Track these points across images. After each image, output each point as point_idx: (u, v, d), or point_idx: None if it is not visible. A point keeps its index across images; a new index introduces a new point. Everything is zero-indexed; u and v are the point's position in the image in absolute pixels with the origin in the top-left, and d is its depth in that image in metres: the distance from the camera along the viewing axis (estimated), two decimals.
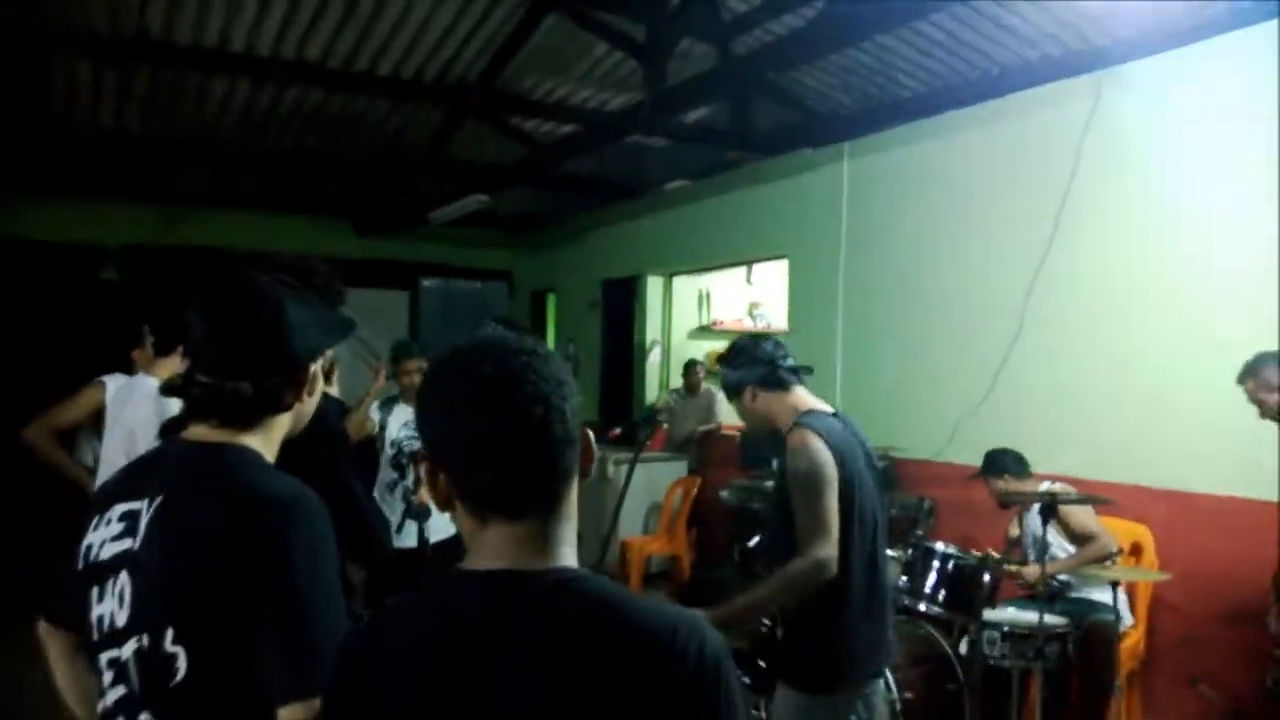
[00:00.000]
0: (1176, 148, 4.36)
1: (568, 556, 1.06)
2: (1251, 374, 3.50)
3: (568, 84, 6.41)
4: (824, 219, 6.20)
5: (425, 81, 6.29)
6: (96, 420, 3.39)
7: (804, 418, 2.53)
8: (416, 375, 4.31)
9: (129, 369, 3.41)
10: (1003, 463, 4.30)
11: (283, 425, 1.43)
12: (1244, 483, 3.99)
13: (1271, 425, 3.51)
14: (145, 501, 1.31)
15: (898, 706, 3.35)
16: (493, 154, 7.43)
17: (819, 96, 6.44)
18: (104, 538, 1.33)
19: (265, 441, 1.40)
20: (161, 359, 3.17)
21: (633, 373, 8.30)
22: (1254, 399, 3.51)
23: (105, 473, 3.10)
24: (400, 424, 4.23)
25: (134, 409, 3.05)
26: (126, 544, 1.30)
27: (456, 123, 6.88)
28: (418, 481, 3.79)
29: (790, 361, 2.65)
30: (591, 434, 1.09)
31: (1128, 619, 4.10)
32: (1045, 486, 4.08)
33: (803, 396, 2.63)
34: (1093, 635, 3.88)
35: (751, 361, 2.63)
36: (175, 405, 2.95)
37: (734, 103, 6.46)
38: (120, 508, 1.34)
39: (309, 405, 1.46)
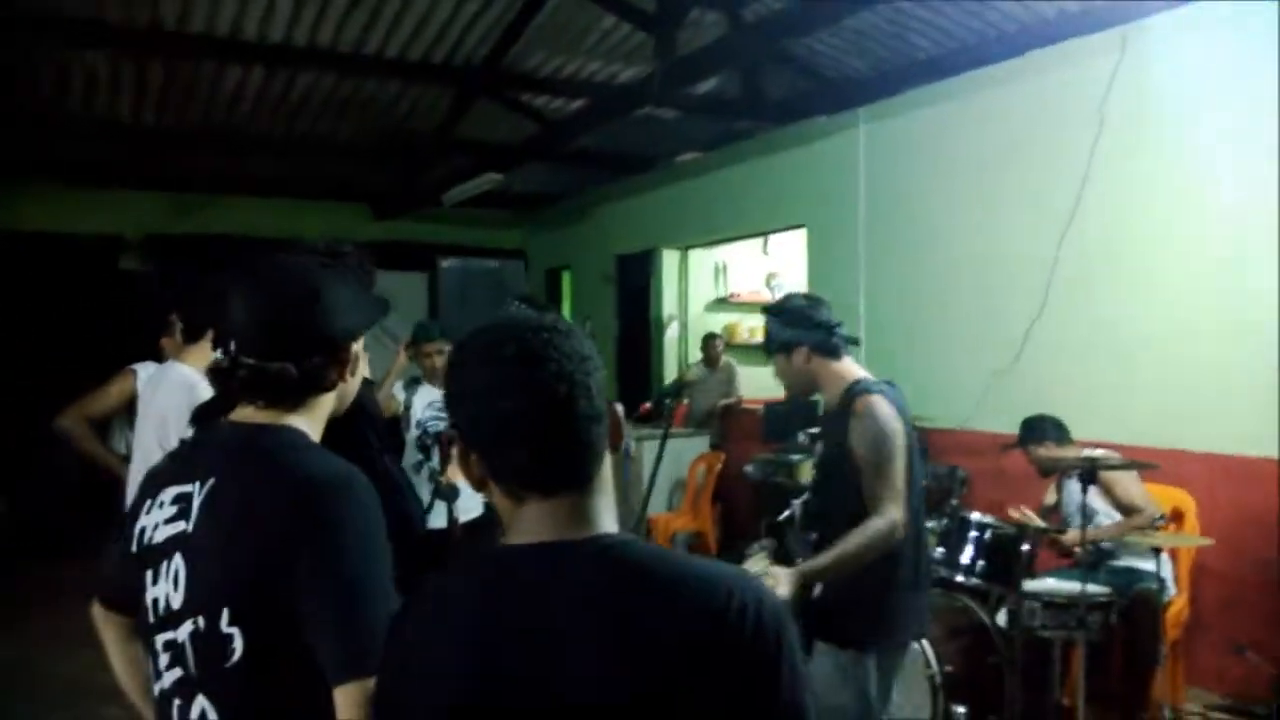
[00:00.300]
0: (1206, 103, 4.26)
1: (609, 524, 1.07)
2: None
3: (576, 59, 6.37)
4: (841, 187, 6.14)
5: (434, 62, 6.28)
6: (129, 409, 3.41)
7: (868, 384, 2.54)
8: (438, 357, 4.31)
9: (158, 357, 3.43)
10: (1042, 429, 4.19)
11: (327, 405, 1.44)
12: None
13: None
14: (197, 484, 1.33)
15: (938, 680, 3.32)
16: (503, 132, 7.40)
17: (831, 62, 6.36)
18: (157, 520, 1.35)
19: (311, 422, 1.41)
20: (190, 346, 3.19)
21: (650, 348, 8.30)
22: None
23: (140, 460, 3.12)
24: (425, 404, 4.24)
25: (165, 396, 3.07)
26: (180, 526, 1.32)
27: (466, 102, 6.86)
28: (444, 462, 3.80)
29: (844, 330, 2.64)
30: (620, 408, 1.09)
31: (1172, 587, 4.01)
32: (1088, 453, 4.00)
33: (851, 367, 2.63)
34: (1138, 605, 3.80)
35: (809, 323, 2.60)
36: (206, 391, 2.97)
37: (745, 72, 6.40)
38: (172, 490, 1.35)
39: (352, 385, 1.46)
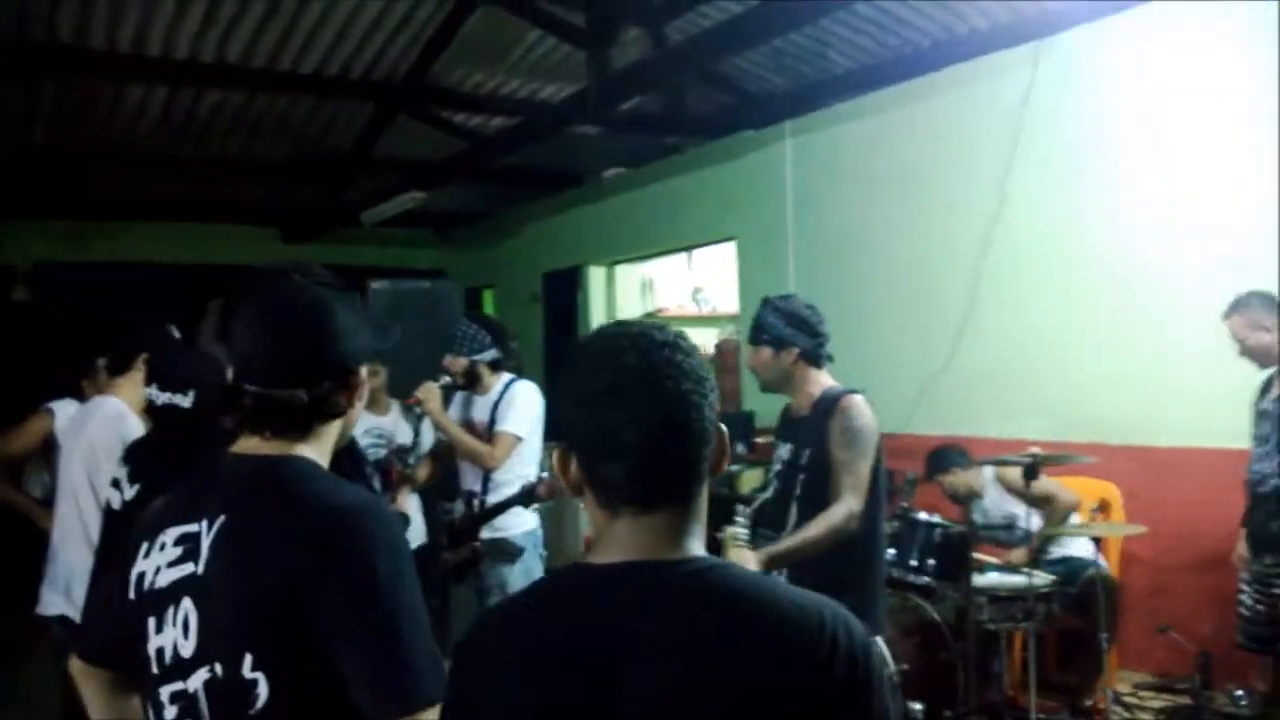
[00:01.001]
0: (1116, 113, 4.47)
1: (699, 547, 1.03)
2: (1238, 309, 3.48)
3: (499, 75, 6.30)
4: (770, 199, 6.22)
5: (351, 78, 6.11)
6: (45, 450, 3.21)
7: (848, 389, 2.72)
8: (372, 378, 4.18)
9: (76, 395, 3.23)
10: (949, 458, 4.35)
11: (334, 433, 1.37)
12: (1203, 433, 4.12)
13: (1232, 373, 3.56)
14: (204, 522, 1.25)
15: (895, 679, 3.36)
16: (425, 150, 7.26)
17: (753, 78, 6.45)
18: (158, 564, 1.26)
19: (320, 451, 1.34)
20: (118, 378, 3.02)
21: None
22: (1237, 336, 3.50)
23: (68, 500, 2.95)
24: (363, 431, 4.10)
25: (96, 430, 2.90)
26: (187, 568, 1.23)
27: (385, 119, 6.70)
28: (391, 491, 3.69)
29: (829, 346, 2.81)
30: (727, 432, 1.05)
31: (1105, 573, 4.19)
32: (988, 471, 4.17)
33: (826, 377, 2.81)
34: (1091, 591, 3.94)
35: (808, 328, 2.74)
36: (137, 424, 2.81)
37: (668, 89, 6.44)
38: (174, 531, 1.27)
39: (356, 412, 1.41)
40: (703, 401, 1.01)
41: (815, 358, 2.75)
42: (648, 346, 1.01)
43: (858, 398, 2.67)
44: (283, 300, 1.35)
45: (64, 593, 2.87)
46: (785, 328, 2.72)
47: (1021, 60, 4.80)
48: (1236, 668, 3.91)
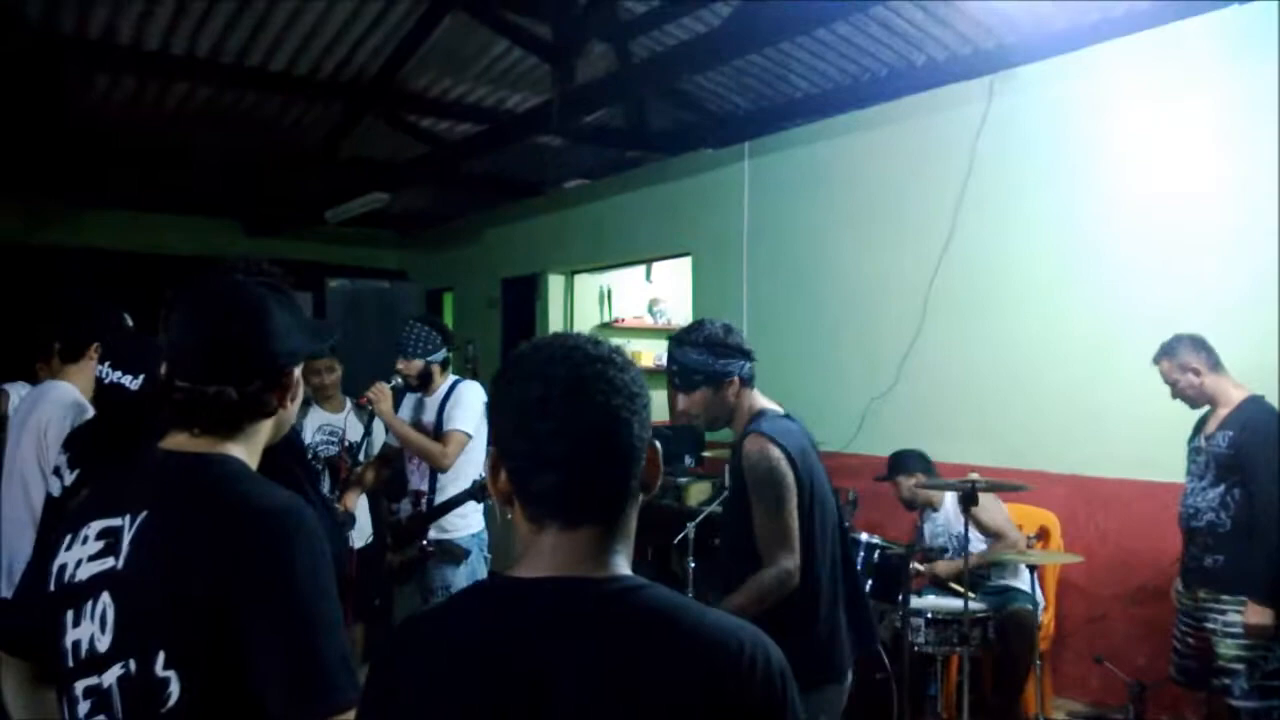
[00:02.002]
0: (1067, 145, 4.60)
1: (624, 567, 1.03)
2: (1167, 354, 3.57)
3: (465, 82, 6.37)
4: (727, 217, 6.33)
5: (320, 78, 6.15)
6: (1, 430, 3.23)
7: (761, 423, 2.45)
8: (327, 375, 4.23)
9: (31, 378, 3.25)
10: (909, 462, 4.38)
11: (265, 433, 1.37)
12: (1143, 465, 4.23)
13: (1170, 408, 3.63)
14: (127, 517, 1.24)
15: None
16: (389, 152, 7.30)
17: (714, 98, 6.59)
18: (80, 557, 1.25)
19: (249, 450, 1.34)
20: (69, 365, 3.04)
21: None
22: (1168, 379, 3.58)
23: (15, 483, 2.96)
24: (315, 428, 4.14)
25: (45, 413, 2.92)
26: (108, 563, 1.22)
27: (353, 120, 6.74)
28: (340, 488, 3.73)
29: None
30: (660, 449, 1.06)
31: (1041, 603, 4.25)
32: (960, 479, 4.18)
33: (758, 396, 2.57)
34: (1012, 622, 4.03)
35: (739, 353, 2.50)
36: (87, 409, 2.83)
37: (631, 103, 6.55)
38: (97, 525, 1.25)
39: (290, 412, 1.41)
40: (632, 418, 1.01)
41: (749, 377, 2.52)
42: (580, 360, 1.01)
43: (754, 440, 2.39)
44: (217, 297, 1.35)
45: (4, 575, 2.88)
46: (716, 361, 2.47)
47: (977, 93, 4.95)
48: (1170, 699, 3.98)
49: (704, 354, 2.48)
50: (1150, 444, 4.13)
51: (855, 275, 5.56)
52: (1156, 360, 3.62)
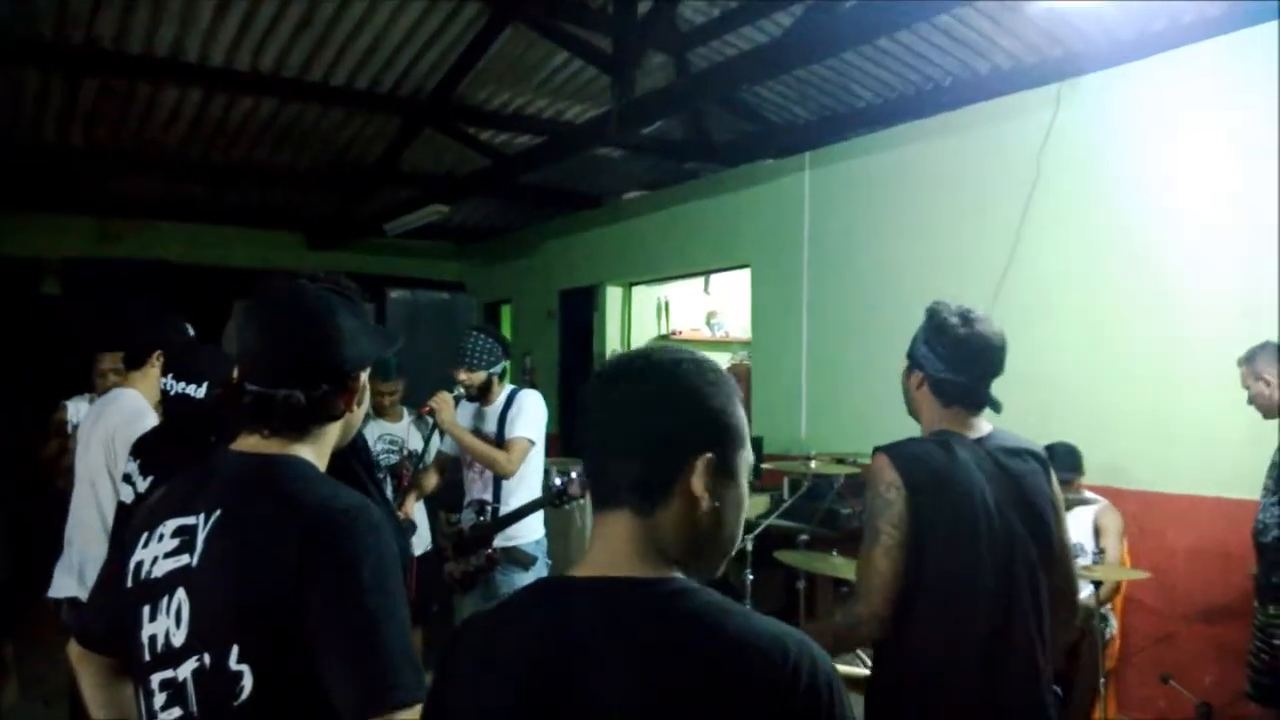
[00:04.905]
0: (1138, 157, 4.46)
1: (673, 569, 1.06)
2: (1248, 360, 3.56)
3: (524, 95, 6.41)
4: (787, 228, 6.26)
5: (380, 92, 6.24)
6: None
7: (902, 441, 2.08)
8: (388, 397, 4.32)
9: (89, 387, 3.34)
10: (1059, 459, 4.13)
11: (333, 436, 1.40)
12: (1214, 482, 4.11)
13: (1242, 424, 3.58)
14: (201, 516, 1.28)
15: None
16: (449, 164, 7.38)
17: (774, 108, 6.55)
18: (156, 554, 1.29)
19: (317, 452, 1.38)
20: (133, 372, 3.10)
21: None
22: (1244, 384, 3.58)
23: (84, 488, 3.05)
24: (375, 438, 4.18)
25: (112, 418, 3.00)
26: (183, 560, 1.27)
27: (412, 133, 6.83)
28: (400, 496, 3.75)
29: (982, 384, 2.12)
30: (713, 460, 1.06)
31: (1111, 620, 4.14)
32: (1086, 493, 4.05)
33: (958, 421, 2.12)
34: (1081, 640, 3.88)
35: (949, 360, 2.09)
36: (152, 417, 2.89)
37: (690, 114, 6.53)
38: (173, 523, 1.30)
39: (357, 416, 1.44)
40: (652, 414, 1.04)
41: (940, 391, 2.12)
42: (658, 359, 1.07)
43: (874, 459, 2.05)
44: (286, 303, 1.38)
45: (77, 576, 2.95)
46: (919, 345, 2.16)
47: (1043, 102, 4.82)
48: None
49: (924, 327, 2.17)
50: (1222, 460, 4.02)
51: (917, 287, 5.42)
52: (1239, 364, 3.60)
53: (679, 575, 1.04)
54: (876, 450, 2.05)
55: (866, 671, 2.23)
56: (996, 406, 2.15)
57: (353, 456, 1.81)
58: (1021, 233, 4.87)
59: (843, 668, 2.62)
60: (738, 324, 8.02)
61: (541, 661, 1.00)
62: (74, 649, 1.44)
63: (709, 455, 1.03)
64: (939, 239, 5.35)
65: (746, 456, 1.08)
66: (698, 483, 1.03)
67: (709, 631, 0.97)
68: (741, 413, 1.09)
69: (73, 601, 2.90)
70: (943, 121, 5.38)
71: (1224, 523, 4.00)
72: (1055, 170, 4.76)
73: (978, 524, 1.95)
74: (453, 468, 3.81)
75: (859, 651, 2.74)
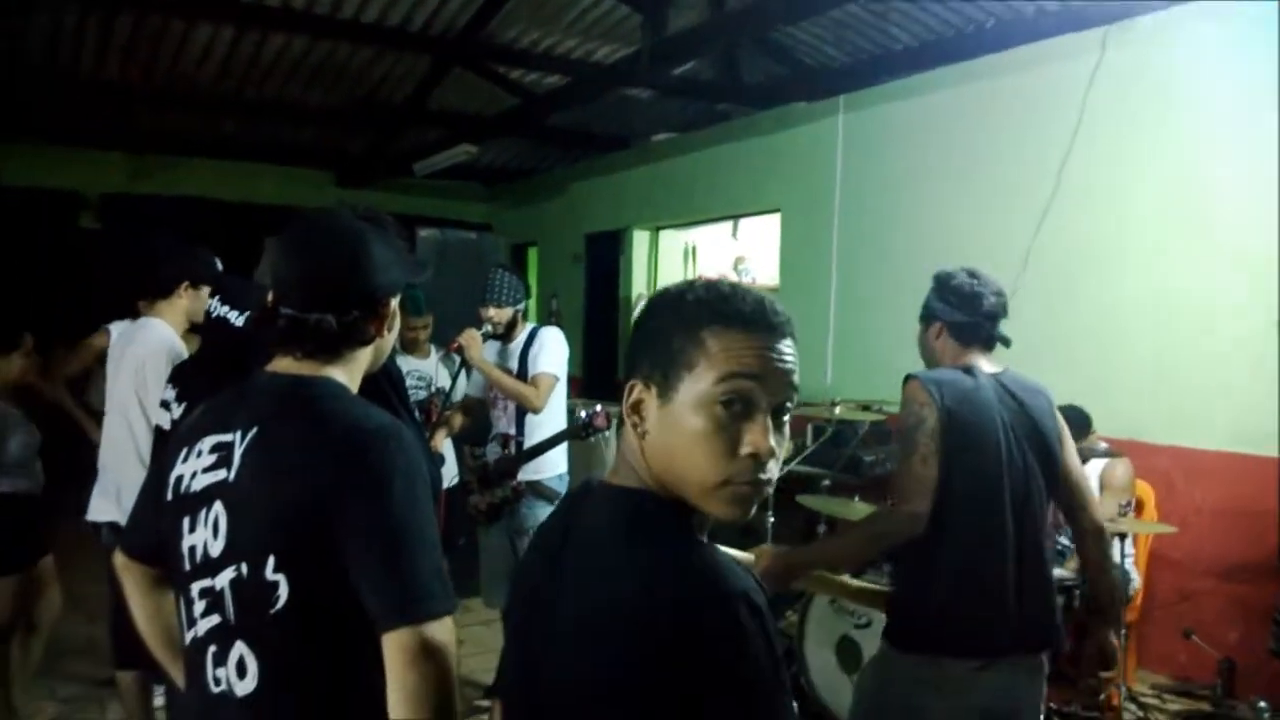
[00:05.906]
0: (1186, 103, 4.34)
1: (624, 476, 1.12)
2: None
3: (555, 33, 6.33)
4: (819, 173, 6.18)
5: (411, 29, 6.19)
6: (103, 364, 3.39)
7: (933, 370, 2.31)
8: (420, 332, 4.35)
9: (133, 315, 3.39)
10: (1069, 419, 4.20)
11: (364, 360, 1.43)
12: (1245, 439, 4.05)
13: (1274, 379, 3.53)
14: (238, 433, 1.32)
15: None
16: (478, 104, 7.33)
17: (809, 50, 6.41)
18: (195, 469, 1.34)
19: (349, 375, 1.41)
20: (160, 301, 3.16)
21: (618, 327, 8.30)
22: None
23: (115, 414, 3.11)
24: (404, 372, 4.22)
25: (140, 349, 3.06)
26: (220, 474, 1.31)
27: (442, 71, 6.78)
28: (430, 430, 3.80)
29: (997, 325, 2.35)
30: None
31: (1134, 575, 4.09)
32: (1103, 446, 4.00)
33: (976, 360, 2.34)
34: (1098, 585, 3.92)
35: (960, 305, 2.30)
36: (179, 345, 2.96)
37: (723, 55, 6.42)
38: (210, 440, 1.35)
39: (388, 341, 1.47)
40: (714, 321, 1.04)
41: (960, 333, 2.33)
42: (708, 284, 1.10)
43: (908, 384, 2.26)
44: (319, 230, 1.42)
45: (114, 500, 3.03)
46: (935, 301, 2.36)
47: (1089, 46, 4.68)
48: (1262, 678, 3.86)
49: (932, 290, 2.38)
50: (1255, 418, 3.96)
51: (952, 234, 5.36)
52: None
53: (611, 479, 1.11)
54: (909, 377, 2.27)
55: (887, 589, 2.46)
56: (1007, 342, 2.40)
57: (385, 382, 1.85)
58: (1062, 179, 4.77)
59: (867, 585, 2.75)
60: (765, 270, 7.96)
61: (549, 549, 1.13)
62: (119, 559, 1.50)
63: (633, 381, 1.06)
64: (976, 185, 5.25)
65: (698, 386, 1.01)
66: (626, 406, 1.07)
67: (616, 536, 1.07)
68: (700, 341, 1.02)
69: (112, 525, 2.98)
70: (984, 65, 5.25)
71: (1255, 481, 3.96)
72: (1100, 116, 4.63)
73: (999, 441, 2.22)
74: (478, 410, 3.85)
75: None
